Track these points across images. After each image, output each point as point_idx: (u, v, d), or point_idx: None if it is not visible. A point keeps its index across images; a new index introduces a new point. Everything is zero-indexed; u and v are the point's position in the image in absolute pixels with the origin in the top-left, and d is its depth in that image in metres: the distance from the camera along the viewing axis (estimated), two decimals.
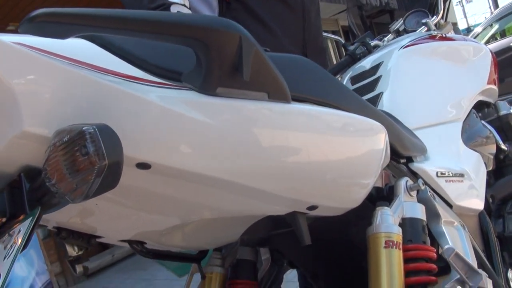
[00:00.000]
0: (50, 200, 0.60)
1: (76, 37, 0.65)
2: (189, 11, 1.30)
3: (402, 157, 1.11)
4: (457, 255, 0.95)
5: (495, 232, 1.35)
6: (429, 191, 1.04)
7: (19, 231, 0.59)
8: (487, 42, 7.52)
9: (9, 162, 0.60)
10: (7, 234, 0.61)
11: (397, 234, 0.89)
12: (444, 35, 1.66)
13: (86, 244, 0.83)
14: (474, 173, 1.28)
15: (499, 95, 1.74)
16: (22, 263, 3.91)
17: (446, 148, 1.29)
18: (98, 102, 0.58)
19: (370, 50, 1.72)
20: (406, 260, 0.89)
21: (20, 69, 0.55)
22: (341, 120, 0.83)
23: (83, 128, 0.52)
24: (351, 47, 1.76)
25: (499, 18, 8.26)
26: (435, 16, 1.80)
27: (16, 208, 0.62)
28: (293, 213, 0.80)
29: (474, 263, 1.01)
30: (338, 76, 1.73)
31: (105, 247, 4.69)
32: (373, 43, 1.75)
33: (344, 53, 1.81)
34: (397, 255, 0.87)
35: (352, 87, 1.50)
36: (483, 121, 1.58)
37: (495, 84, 1.65)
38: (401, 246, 0.88)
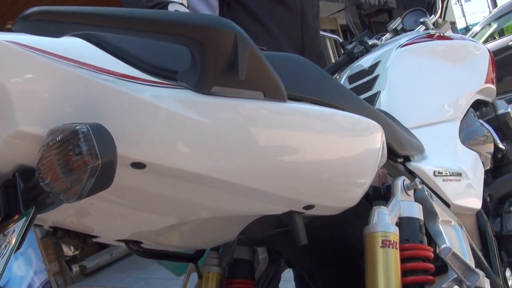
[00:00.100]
0: (44, 199, 0.60)
1: (71, 35, 0.65)
2: (187, 10, 1.30)
3: (399, 156, 1.10)
4: (454, 255, 0.95)
5: (492, 231, 1.35)
6: (426, 190, 1.03)
7: (14, 231, 0.59)
8: (486, 41, 7.53)
9: (3, 161, 0.59)
10: (1, 234, 0.61)
11: (394, 233, 0.88)
12: (442, 34, 1.66)
13: (82, 244, 0.83)
14: (471, 172, 1.28)
15: (497, 94, 1.74)
16: (21, 263, 3.91)
17: (444, 147, 1.29)
18: (92, 101, 0.57)
19: (368, 49, 1.72)
20: (403, 260, 0.89)
21: (14, 68, 0.54)
22: (338, 119, 0.83)
23: (77, 128, 0.52)
24: (349, 46, 1.75)
25: (498, 17, 8.27)
26: (433, 15, 1.80)
27: (11, 207, 0.62)
28: (289, 213, 0.80)
29: (471, 262, 1.01)
30: (336, 75, 1.73)
31: (103, 246, 4.69)
32: (371, 42, 1.75)
33: (342, 52, 1.80)
34: (394, 255, 0.87)
35: (349, 86, 1.50)
36: (481, 120, 1.58)
37: (493, 83, 1.65)
38: (398, 246, 0.88)
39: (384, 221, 0.89)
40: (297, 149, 0.75)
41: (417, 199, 0.99)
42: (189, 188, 0.69)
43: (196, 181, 0.67)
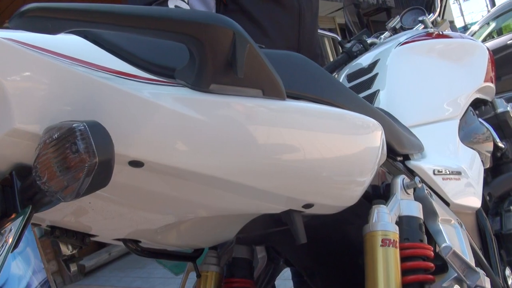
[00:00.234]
0: (41, 198, 0.60)
1: (69, 32, 0.64)
2: (187, 7, 1.29)
3: (398, 155, 1.10)
4: (455, 253, 0.94)
5: (492, 230, 1.35)
6: (426, 189, 1.03)
7: (11, 230, 0.59)
8: (484, 40, 7.54)
9: (0, 160, 0.59)
10: None
11: (393, 232, 0.88)
12: (441, 33, 1.66)
13: (80, 243, 0.82)
14: (471, 171, 1.28)
15: (496, 93, 1.74)
16: (19, 262, 3.89)
17: (443, 146, 1.29)
18: (89, 99, 0.57)
19: (366, 48, 1.72)
20: (403, 259, 0.89)
21: (10, 65, 0.54)
22: (337, 118, 0.82)
23: (73, 125, 0.51)
24: (348, 45, 1.75)
25: (496, 16, 8.29)
26: (432, 14, 1.80)
27: (7, 206, 0.61)
28: (288, 211, 0.80)
29: (471, 261, 1.01)
30: (335, 73, 1.73)
31: (101, 245, 4.69)
32: (369, 40, 1.75)
33: (340, 51, 1.80)
34: (394, 254, 0.87)
35: (348, 85, 1.49)
36: (480, 119, 1.58)
37: (492, 82, 1.65)
38: (398, 245, 0.88)
39: (384, 220, 0.89)
40: (296, 148, 0.74)
41: (416, 198, 0.99)
42: (187, 187, 0.68)
43: (194, 180, 0.66)
